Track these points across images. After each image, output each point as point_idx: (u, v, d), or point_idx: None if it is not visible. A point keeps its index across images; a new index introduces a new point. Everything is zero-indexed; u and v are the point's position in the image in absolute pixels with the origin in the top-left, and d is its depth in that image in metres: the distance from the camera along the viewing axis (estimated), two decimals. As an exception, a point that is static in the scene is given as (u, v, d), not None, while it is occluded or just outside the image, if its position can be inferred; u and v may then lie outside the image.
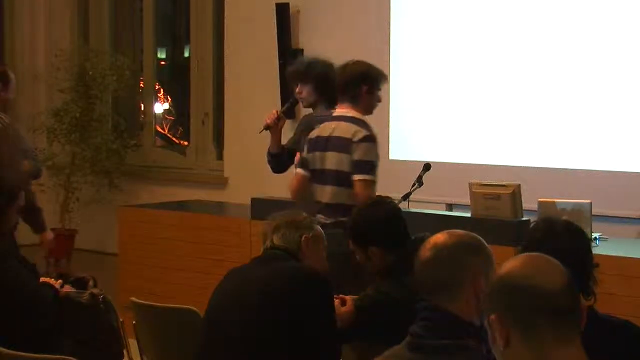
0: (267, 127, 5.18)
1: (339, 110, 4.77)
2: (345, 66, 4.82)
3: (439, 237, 2.50)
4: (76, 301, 3.82)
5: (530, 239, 2.79)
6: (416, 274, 2.48)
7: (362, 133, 4.64)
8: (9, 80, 5.92)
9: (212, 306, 3.36)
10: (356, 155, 4.60)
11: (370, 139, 4.65)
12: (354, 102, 4.75)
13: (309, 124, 5.21)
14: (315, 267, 3.38)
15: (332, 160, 4.68)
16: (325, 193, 4.68)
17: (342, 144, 4.65)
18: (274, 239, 3.40)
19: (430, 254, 2.46)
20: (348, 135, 4.64)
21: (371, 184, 4.60)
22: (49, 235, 5.87)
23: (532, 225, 2.90)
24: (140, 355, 4.11)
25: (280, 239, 3.39)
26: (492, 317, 1.91)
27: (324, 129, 4.75)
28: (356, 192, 4.55)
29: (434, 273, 2.44)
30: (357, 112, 4.73)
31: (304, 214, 3.52)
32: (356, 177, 4.59)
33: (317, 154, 4.74)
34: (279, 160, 5.26)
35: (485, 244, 2.50)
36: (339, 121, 4.73)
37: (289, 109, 5.48)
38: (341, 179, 4.64)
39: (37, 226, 5.75)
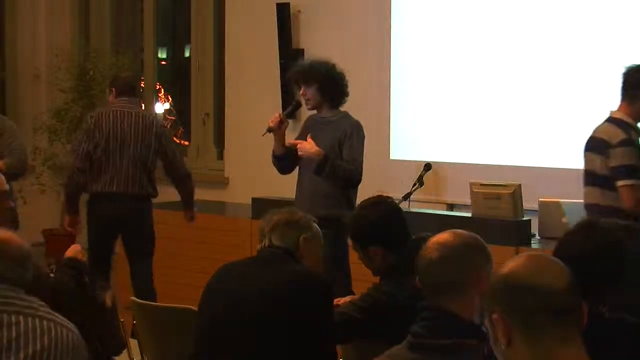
0: (270, 130, 5.17)
1: (613, 112, 4.84)
2: (637, 67, 4.84)
3: (443, 237, 2.50)
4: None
5: (575, 235, 2.76)
6: (420, 273, 2.48)
7: (620, 136, 4.68)
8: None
9: (209, 305, 3.34)
10: (615, 161, 4.66)
11: (628, 142, 4.67)
12: (631, 102, 4.78)
13: (313, 125, 5.22)
14: (314, 269, 3.38)
15: (588, 161, 4.78)
16: (585, 194, 4.80)
17: (598, 145, 4.74)
18: (272, 238, 3.39)
19: (436, 254, 2.46)
20: (606, 137, 4.71)
21: (637, 188, 4.64)
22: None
23: (581, 221, 2.86)
24: (141, 354, 4.11)
25: (279, 238, 3.38)
26: (495, 316, 1.91)
27: (594, 129, 4.84)
28: (622, 199, 4.61)
29: (440, 273, 2.44)
30: (627, 114, 4.77)
31: (301, 213, 3.51)
32: (620, 182, 4.65)
33: (584, 154, 4.85)
34: (284, 161, 5.25)
35: (484, 243, 2.50)
36: (605, 122, 4.80)
37: (291, 111, 5.48)
38: (594, 180, 4.73)
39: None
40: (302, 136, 5.24)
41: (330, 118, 5.15)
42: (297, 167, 5.28)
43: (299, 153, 5.06)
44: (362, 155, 5.10)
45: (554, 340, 1.86)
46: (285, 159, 5.22)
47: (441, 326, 2.38)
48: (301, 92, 5.17)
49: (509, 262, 1.97)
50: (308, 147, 5.02)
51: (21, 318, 2.63)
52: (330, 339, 3.28)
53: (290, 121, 6.03)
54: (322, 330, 3.21)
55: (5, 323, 2.61)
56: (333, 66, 5.16)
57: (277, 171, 5.39)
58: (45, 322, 2.63)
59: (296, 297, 3.18)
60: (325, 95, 5.13)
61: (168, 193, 8.37)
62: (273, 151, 5.24)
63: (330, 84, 5.11)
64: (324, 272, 3.49)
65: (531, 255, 1.99)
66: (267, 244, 3.39)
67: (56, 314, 2.70)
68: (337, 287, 4.68)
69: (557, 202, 5.46)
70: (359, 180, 5.05)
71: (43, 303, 2.73)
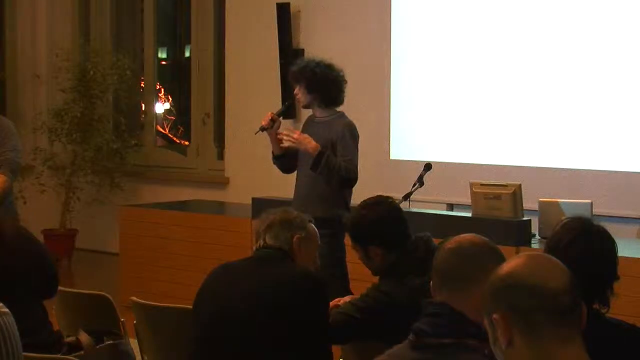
0: (262, 129, 5.18)
1: None
2: None
3: (467, 235, 2.51)
4: None
5: (562, 236, 2.78)
6: (435, 260, 2.48)
7: None
8: None
9: (205, 306, 3.34)
10: None
11: None
12: None
13: (308, 126, 5.21)
14: (309, 268, 3.38)
15: None
16: None
17: None
18: (267, 238, 3.39)
19: (456, 245, 2.46)
20: None
21: None
22: None
23: (565, 221, 2.88)
24: (141, 354, 4.11)
25: (273, 238, 3.38)
26: (495, 316, 1.91)
27: None
28: None
29: (456, 262, 2.44)
30: None
31: (296, 213, 3.51)
32: None
33: None
34: (284, 161, 5.25)
35: (503, 255, 2.49)
36: None
37: (284, 111, 5.48)
38: None
39: None
40: None
41: (323, 118, 5.14)
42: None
43: (296, 144, 5.03)
44: (357, 155, 5.08)
45: (554, 340, 1.86)
46: (285, 158, 5.22)
47: (446, 323, 2.38)
48: (295, 90, 5.18)
49: (508, 262, 1.97)
50: (307, 140, 5.01)
51: None
52: (326, 338, 3.28)
53: (290, 120, 6.04)
54: (317, 330, 3.22)
55: None
56: (328, 66, 5.13)
57: (278, 171, 5.39)
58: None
59: (292, 297, 3.18)
60: (314, 95, 5.10)
61: (168, 193, 8.40)
62: (272, 151, 5.25)
63: (317, 84, 5.08)
64: (319, 271, 3.48)
65: (531, 255, 1.98)
66: (262, 243, 3.39)
67: None
68: (335, 287, 4.68)
69: (557, 202, 5.46)
70: (355, 179, 5.03)
71: None
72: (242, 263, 3.43)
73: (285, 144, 5.06)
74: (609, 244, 2.81)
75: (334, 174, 4.94)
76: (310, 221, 3.50)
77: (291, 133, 5.09)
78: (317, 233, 3.52)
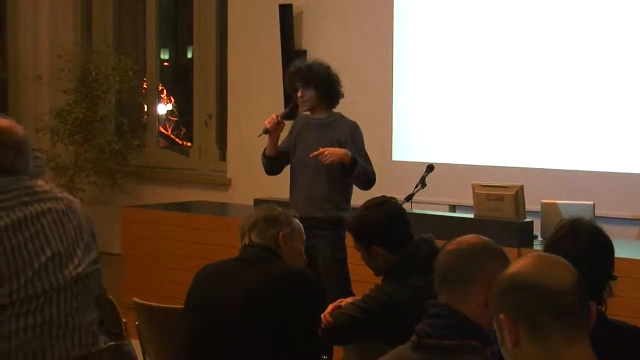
0: (266, 131, 5.15)
1: None
2: None
3: (468, 237, 2.51)
4: None
5: (558, 236, 2.80)
6: (436, 262, 2.49)
7: None
8: None
9: (195, 307, 3.33)
10: None
11: None
12: None
13: (306, 127, 5.20)
14: (298, 266, 3.38)
15: None
16: None
17: None
18: (252, 236, 3.38)
19: (455, 247, 2.47)
20: None
21: None
22: None
23: (561, 222, 2.89)
24: (143, 355, 4.11)
25: (259, 236, 3.37)
26: (501, 316, 1.91)
27: None
28: None
29: (454, 264, 2.44)
30: None
31: (280, 209, 3.50)
32: None
33: None
34: (275, 162, 5.24)
35: (507, 255, 2.49)
36: None
37: (288, 113, 5.45)
38: None
39: None
40: (292, 137, 5.22)
41: (325, 119, 5.14)
42: (290, 169, 5.26)
43: (327, 159, 4.92)
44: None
45: (560, 340, 1.86)
46: (276, 160, 5.21)
47: (447, 324, 2.38)
48: (299, 94, 5.13)
49: (514, 263, 1.97)
50: (335, 150, 4.95)
51: (49, 204, 2.86)
52: (318, 336, 3.29)
53: (291, 122, 6.01)
54: (310, 328, 3.23)
55: (40, 211, 2.83)
56: (329, 68, 5.16)
57: (280, 172, 5.37)
58: (65, 201, 2.89)
59: (283, 297, 3.18)
60: (323, 98, 5.11)
61: (170, 194, 8.40)
62: (264, 151, 5.22)
63: (328, 87, 5.10)
64: (312, 271, 3.48)
65: (536, 255, 1.99)
66: (247, 242, 3.38)
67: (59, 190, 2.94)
68: (337, 288, 4.69)
69: (559, 204, 5.46)
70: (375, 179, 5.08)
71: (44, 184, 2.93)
72: (230, 263, 3.42)
73: (330, 159, 4.95)
74: (600, 242, 2.80)
75: (366, 175, 4.97)
76: (294, 216, 3.50)
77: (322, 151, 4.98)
78: (302, 228, 3.51)
